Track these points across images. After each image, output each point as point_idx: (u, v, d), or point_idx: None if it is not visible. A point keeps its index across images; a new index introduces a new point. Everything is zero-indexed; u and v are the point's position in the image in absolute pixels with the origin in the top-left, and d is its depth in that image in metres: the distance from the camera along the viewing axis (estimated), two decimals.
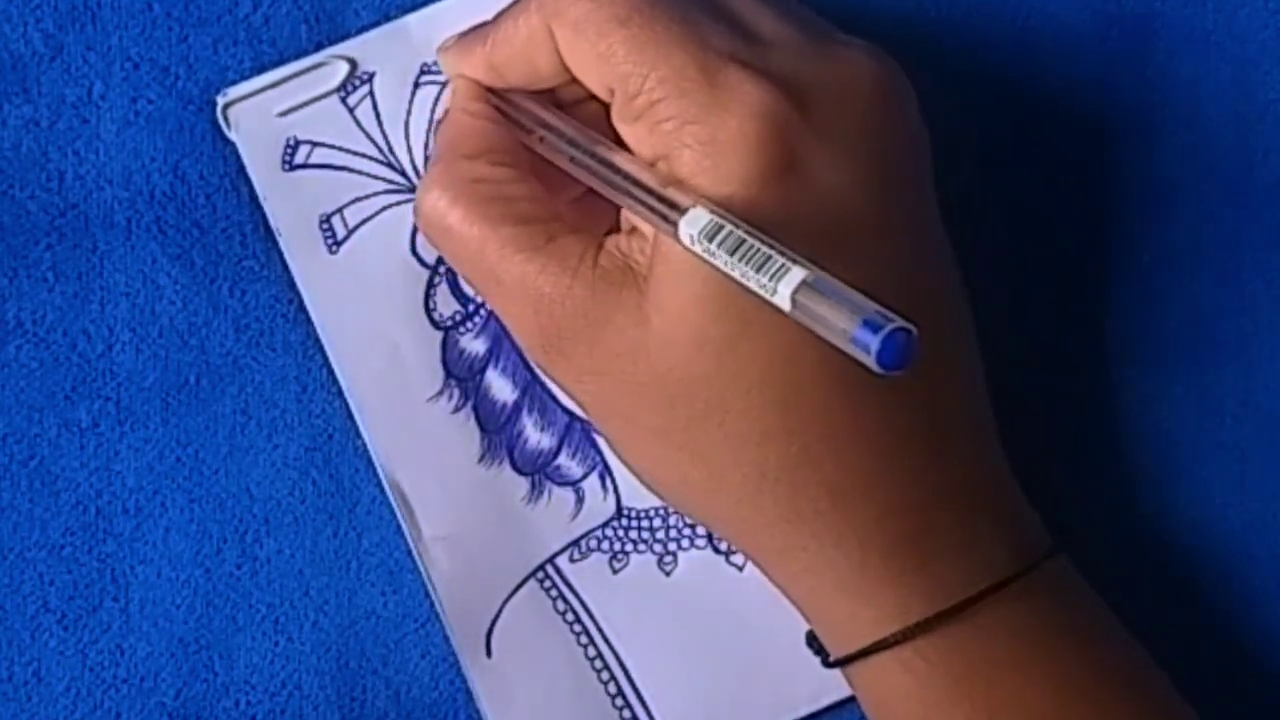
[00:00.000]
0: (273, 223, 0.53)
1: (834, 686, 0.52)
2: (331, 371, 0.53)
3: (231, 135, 0.52)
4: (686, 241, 0.44)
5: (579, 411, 0.53)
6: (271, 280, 0.53)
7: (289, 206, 0.53)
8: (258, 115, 0.52)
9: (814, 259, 0.43)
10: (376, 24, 0.53)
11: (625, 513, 0.53)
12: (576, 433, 0.53)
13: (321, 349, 0.53)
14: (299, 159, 0.53)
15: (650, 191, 0.46)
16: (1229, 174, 0.54)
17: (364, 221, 0.53)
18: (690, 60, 0.46)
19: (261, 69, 0.53)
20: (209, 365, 0.53)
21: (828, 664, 0.49)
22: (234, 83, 0.52)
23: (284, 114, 0.52)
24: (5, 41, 0.53)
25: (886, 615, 0.46)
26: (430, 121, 0.53)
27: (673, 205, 0.45)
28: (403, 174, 0.53)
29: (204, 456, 0.53)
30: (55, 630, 0.52)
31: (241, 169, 0.53)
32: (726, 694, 0.53)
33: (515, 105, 0.50)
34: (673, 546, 0.53)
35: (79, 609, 0.52)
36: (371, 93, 0.53)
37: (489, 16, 0.51)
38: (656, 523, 0.53)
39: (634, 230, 0.47)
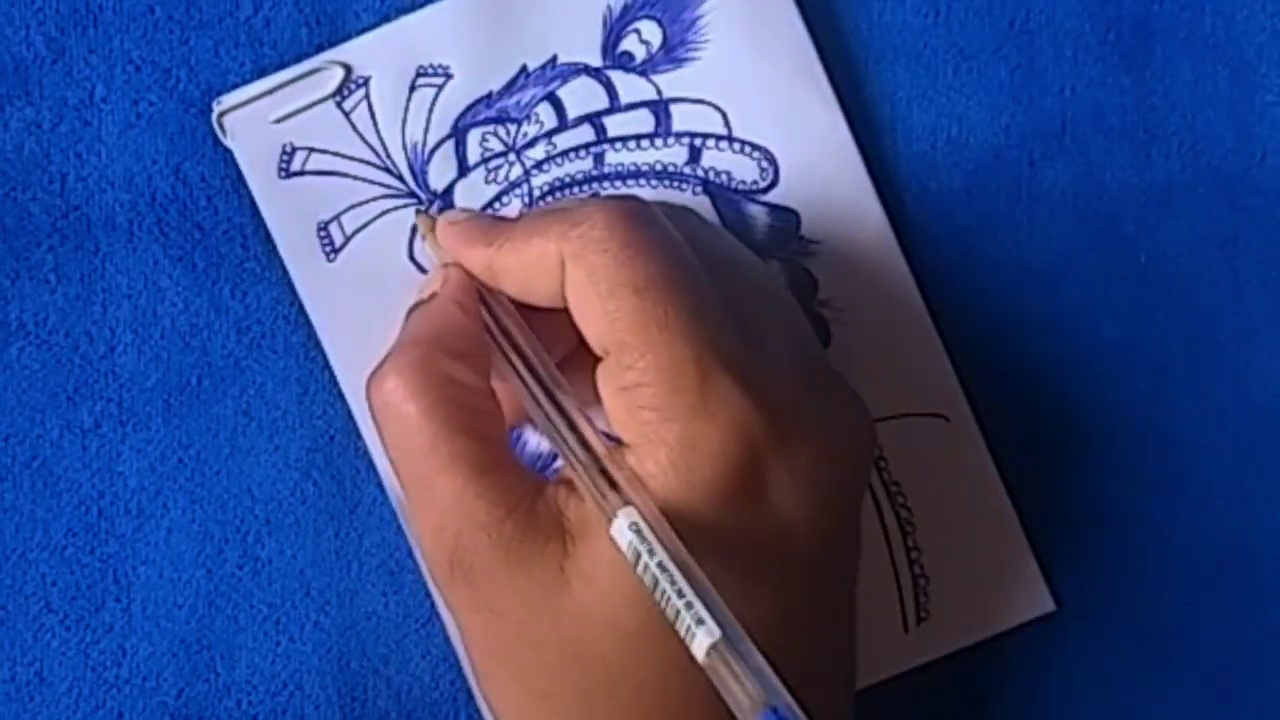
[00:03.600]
0: (271, 230, 0.53)
1: None
2: (333, 373, 0.53)
3: (228, 143, 0.52)
4: (619, 541, 0.43)
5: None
6: (273, 282, 0.53)
7: (286, 214, 0.52)
8: (253, 122, 0.52)
9: (752, 578, 0.43)
10: (378, 26, 0.53)
11: None
12: None
13: (323, 350, 0.53)
14: (295, 165, 0.52)
15: (600, 473, 0.44)
16: (1229, 174, 0.54)
17: (361, 227, 0.53)
18: (690, 358, 0.44)
19: (262, 71, 0.53)
20: (210, 366, 0.53)
21: None
22: (233, 86, 0.52)
23: (280, 120, 0.52)
24: (7, 44, 0.53)
25: None
26: (427, 123, 0.53)
27: (613, 487, 0.44)
28: (400, 179, 0.53)
29: (206, 457, 0.53)
30: (58, 631, 0.53)
31: (242, 171, 0.53)
32: None
33: (497, 319, 0.48)
34: None
35: (81, 609, 0.53)
36: (367, 97, 0.52)
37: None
38: None
39: (574, 489, 0.46)
